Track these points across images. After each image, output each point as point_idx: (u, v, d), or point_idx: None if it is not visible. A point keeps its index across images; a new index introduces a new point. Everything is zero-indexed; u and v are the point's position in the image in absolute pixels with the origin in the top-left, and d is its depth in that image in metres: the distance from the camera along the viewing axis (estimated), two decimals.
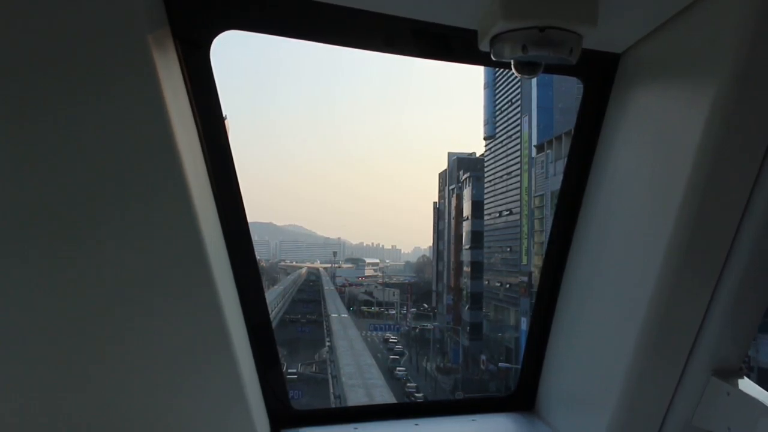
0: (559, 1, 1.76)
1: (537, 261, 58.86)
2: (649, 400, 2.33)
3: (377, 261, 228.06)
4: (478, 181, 77.56)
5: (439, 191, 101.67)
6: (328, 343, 72.06)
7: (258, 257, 2.68)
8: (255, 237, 2.77)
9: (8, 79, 1.59)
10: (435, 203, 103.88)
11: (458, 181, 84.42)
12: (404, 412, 3.11)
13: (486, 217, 76.55)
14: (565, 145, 49.74)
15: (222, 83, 2.15)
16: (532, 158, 65.41)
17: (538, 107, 65.96)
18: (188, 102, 2.05)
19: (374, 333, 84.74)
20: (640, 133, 2.37)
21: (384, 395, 49.64)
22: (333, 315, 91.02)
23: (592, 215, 2.63)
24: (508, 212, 71.70)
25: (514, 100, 74.66)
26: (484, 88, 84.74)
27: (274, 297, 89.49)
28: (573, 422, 2.77)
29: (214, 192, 2.24)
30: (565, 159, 3.05)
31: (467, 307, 74.56)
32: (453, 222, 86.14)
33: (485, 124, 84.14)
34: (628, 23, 2.15)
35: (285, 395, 2.83)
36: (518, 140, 71.26)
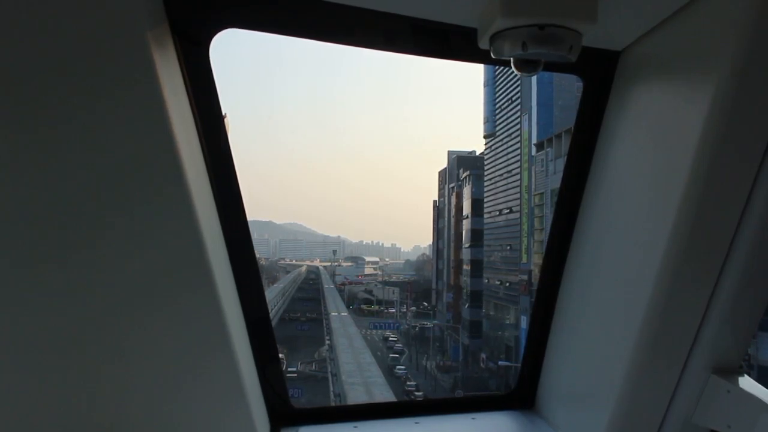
0: None
1: (537, 259, 58.88)
2: (650, 398, 2.33)
3: (377, 259, 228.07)
4: (478, 179, 77.61)
5: (439, 189, 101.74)
6: (327, 342, 72.01)
7: (257, 255, 2.68)
8: (254, 235, 2.76)
9: (6, 78, 1.59)
10: (435, 201, 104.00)
11: (458, 180, 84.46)
12: (404, 410, 3.11)
13: (486, 215, 76.59)
14: (565, 143, 49.71)
15: (221, 81, 2.14)
16: (532, 156, 65.42)
17: (537, 105, 65.96)
18: (188, 100, 2.05)
19: (374, 331, 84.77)
20: (640, 131, 2.36)
21: (384, 393, 49.66)
22: (333, 313, 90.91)
23: (592, 213, 2.63)
24: (508, 210, 71.72)
25: (513, 98, 74.67)
26: (484, 86, 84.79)
27: (273, 295, 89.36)
28: (573, 420, 2.77)
29: (213, 190, 2.23)
30: (565, 157, 3.05)
31: (467, 305, 74.59)
32: (453, 220, 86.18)
33: (485, 122, 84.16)
34: (628, 21, 2.15)
35: (285, 393, 2.83)
36: (518, 138, 71.27)
